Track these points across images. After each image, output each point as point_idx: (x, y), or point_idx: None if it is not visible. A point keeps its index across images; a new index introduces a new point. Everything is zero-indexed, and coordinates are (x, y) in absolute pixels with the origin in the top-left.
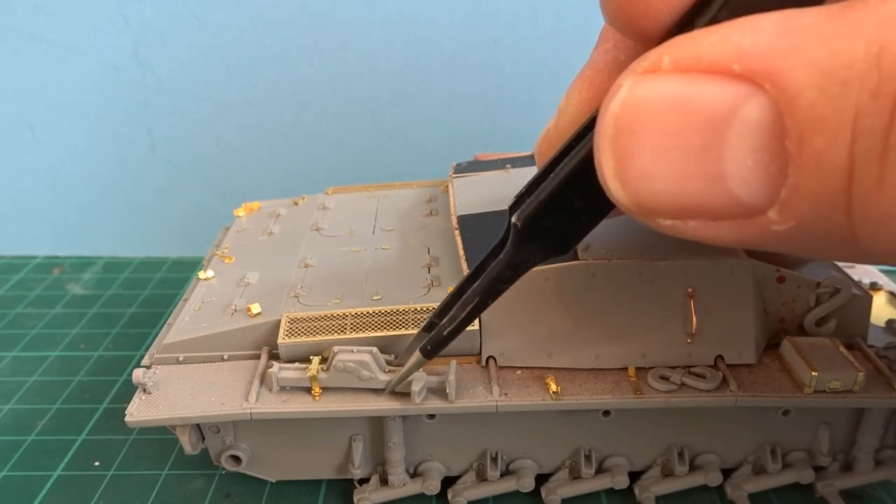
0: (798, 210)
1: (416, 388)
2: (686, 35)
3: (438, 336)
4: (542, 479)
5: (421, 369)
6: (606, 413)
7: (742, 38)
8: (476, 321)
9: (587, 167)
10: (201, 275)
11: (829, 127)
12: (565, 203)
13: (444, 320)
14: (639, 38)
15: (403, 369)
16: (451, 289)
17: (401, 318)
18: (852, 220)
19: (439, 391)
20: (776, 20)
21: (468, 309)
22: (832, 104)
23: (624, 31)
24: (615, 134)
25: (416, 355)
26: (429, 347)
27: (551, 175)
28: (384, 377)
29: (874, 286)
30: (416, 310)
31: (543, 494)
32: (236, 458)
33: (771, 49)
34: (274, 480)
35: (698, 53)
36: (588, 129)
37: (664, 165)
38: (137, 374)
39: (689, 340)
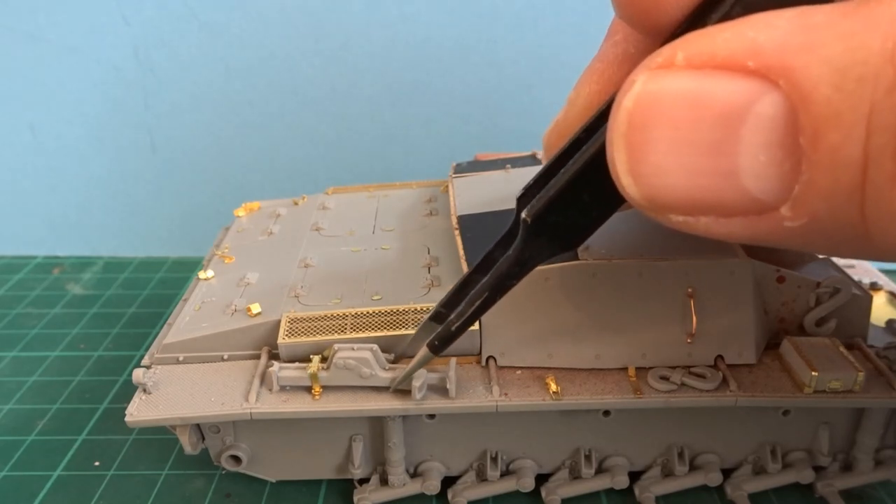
0: (811, 206)
1: (416, 383)
2: (700, 31)
3: (446, 332)
4: (542, 479)
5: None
6: (606, 413)
7: (757, 34)
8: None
9: (598, 162)
10: (201, 275)
11: (843, 123)
12: (576, 199)
13: (452, 315)
14: (648, 32)
15: (410, 365)
16: None
17: (401, 318)
18: (866, 216)
19: (440, 388)
20: (791, 17)
21: (476, 304)
22: (847, 100)
23: (633, 25)
24: (628, 129)
25: (424, 351)
26: (436, 343)
27: (561, 170)
28: (385, 374)
29: (874, 286)
30: (416, 310)
31: (543, 494)
32: (236, 458)
33: (786, 45)
34: (274, 480)
35: (713, 49)
36: (598, 121)
37: (677, 161)
38: (137, 374)
39: (689, 340)
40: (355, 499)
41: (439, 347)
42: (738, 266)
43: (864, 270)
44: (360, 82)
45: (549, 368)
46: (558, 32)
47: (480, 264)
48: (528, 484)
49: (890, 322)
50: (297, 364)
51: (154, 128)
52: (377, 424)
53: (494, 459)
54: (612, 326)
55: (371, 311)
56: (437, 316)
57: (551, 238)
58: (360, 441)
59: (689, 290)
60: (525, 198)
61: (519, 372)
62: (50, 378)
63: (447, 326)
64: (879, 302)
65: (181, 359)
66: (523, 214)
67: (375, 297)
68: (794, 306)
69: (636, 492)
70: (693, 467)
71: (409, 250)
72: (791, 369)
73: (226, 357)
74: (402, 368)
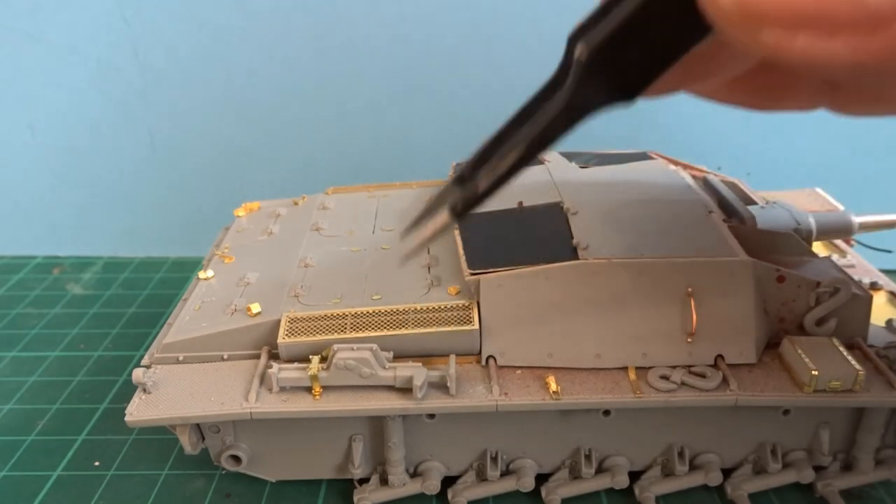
0: None
1: (417, 382)
2: None
3: (472, 193)
4: (542, 478)
5: (421, 365)
6: (606, 413)
7: None
8: (475, 320)
9: None
10: (201, 275)
11: None
12: (642, 30)
13: (480, 174)
14: None
15: (428, 231)
16: (452, 289)
17: (401, 318)
18: None
19: (440, 385)
20: None
21: (511, 158)
22: None
23: None
24: None
25: (444, 216)
26: (459, 206)
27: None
28: (385, 374)
29: (874, 286)
30: (416, 310)
31: (543, 494)
32: (236, 458)
33: None
34: (274, 480)
35: None
36: None
37: None
38: (137, 374)
39: (689, 340)
40: (355, 499)
41: (462, 211)
42: (738, 265)
43: (864, 270)
44: (360, 82)
45: (549, 368)
46: (558, 32)
47: (517, 118)
48: (528, 484)
49: (890, 322)
50: (296, 365)
51: (154, 128)
52: (377, 424)
53: (494, 459)
54: (612, 326)
55: (371, 311)
56: (461, 179)
57: (610, 80)
58: (360, 441)
59: (689, 289)
60: (578, 35)
61: (519, 371)
62: (50, 378)
63: (473, 187)
64: (879, 302)
65: (181, 359)
66: (577, 51)
67: (375, 297)
68: (794, 306)
69: (636, 491)
70: (693, 467)
71: None
72: (791, 369)
73: (226, 357)
74: (404, 366)
